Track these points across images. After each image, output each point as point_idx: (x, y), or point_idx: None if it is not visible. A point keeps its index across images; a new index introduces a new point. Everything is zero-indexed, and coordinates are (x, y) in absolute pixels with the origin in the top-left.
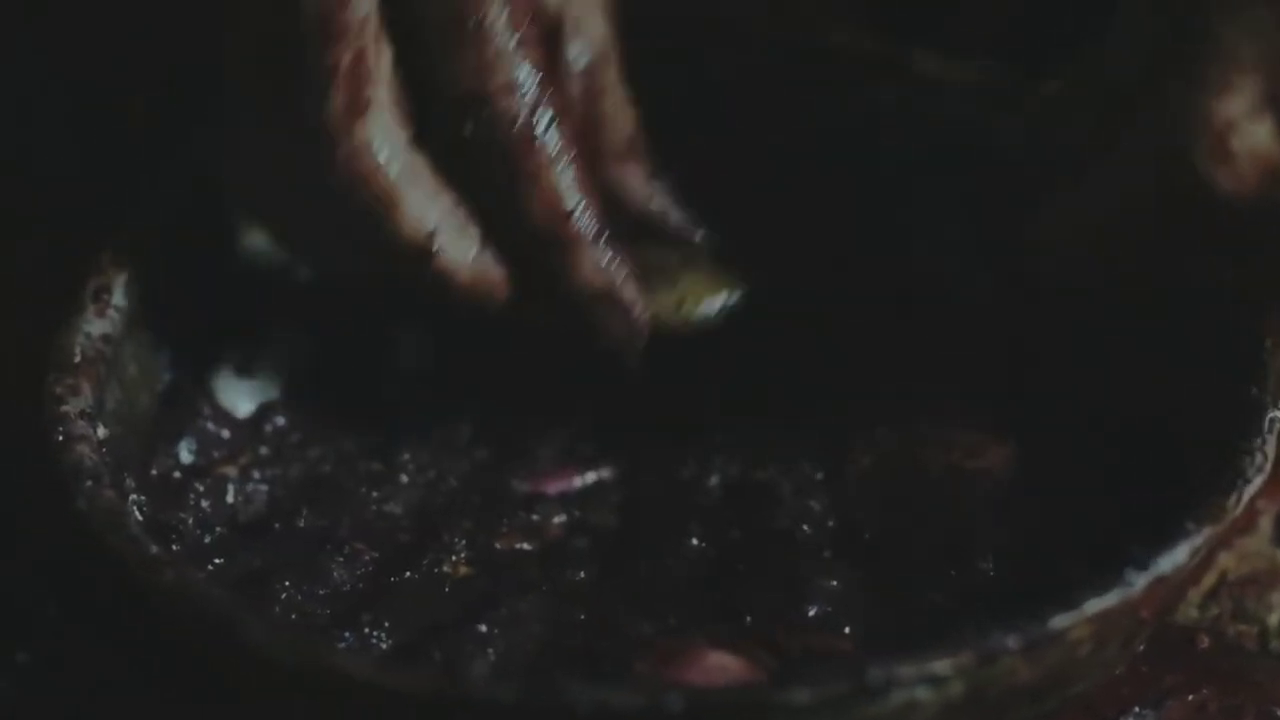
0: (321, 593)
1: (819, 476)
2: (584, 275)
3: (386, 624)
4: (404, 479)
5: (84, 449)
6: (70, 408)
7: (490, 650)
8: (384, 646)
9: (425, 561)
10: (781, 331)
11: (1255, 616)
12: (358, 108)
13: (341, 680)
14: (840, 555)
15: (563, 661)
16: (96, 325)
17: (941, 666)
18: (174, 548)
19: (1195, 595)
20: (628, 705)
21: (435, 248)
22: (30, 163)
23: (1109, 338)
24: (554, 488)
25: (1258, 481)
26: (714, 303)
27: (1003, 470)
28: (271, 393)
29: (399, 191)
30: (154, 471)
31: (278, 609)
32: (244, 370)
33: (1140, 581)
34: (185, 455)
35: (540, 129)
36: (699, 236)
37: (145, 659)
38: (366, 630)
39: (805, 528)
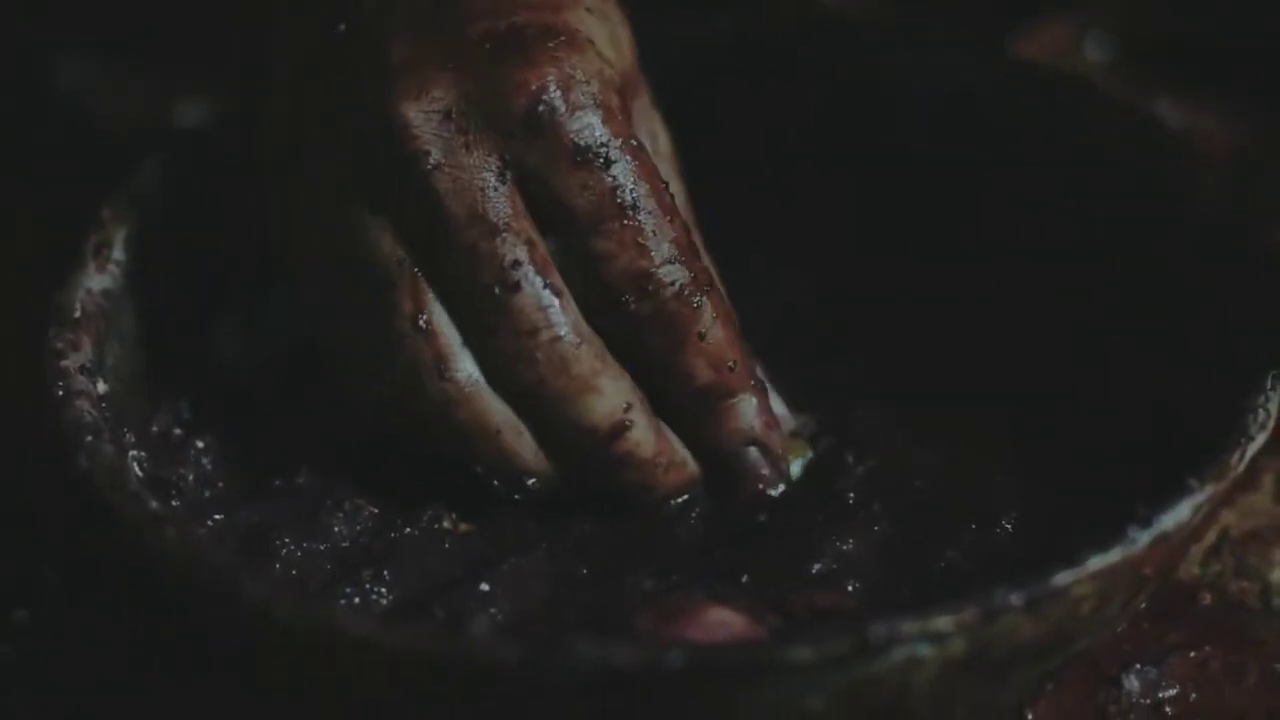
0: (322, 549)
1: (828, 433)
2: (743, 420)
3: (387, 581)
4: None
5: (84, 404)
6: (70, 363)
7: (492, 608)
8: (385, 603)
9: (426, 518)
10: (789, 288)
11: (1257, 573)
12: (549, 295)
13: (343, 638)
14: (850, 514)
15: (564, 619)
16: (97, 280)
17: (943, 623)
18: (174, 504)
19: (1197, 552)
20: (629, 662)
21: (629, 423)
22: (31, 119)
23: (1115, 305)
24: None
25: (1260, 439)
26: (795, 465)
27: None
28: (273, 347)
29: (599, 371)
30: (154, 427)
31: (278, 566)
32: (245, 326)
33: (1143, 539)
34: (186, 411)
35: (699, 294)
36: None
37: (145, 618)
38: (368, 587)
39: (815, 484)
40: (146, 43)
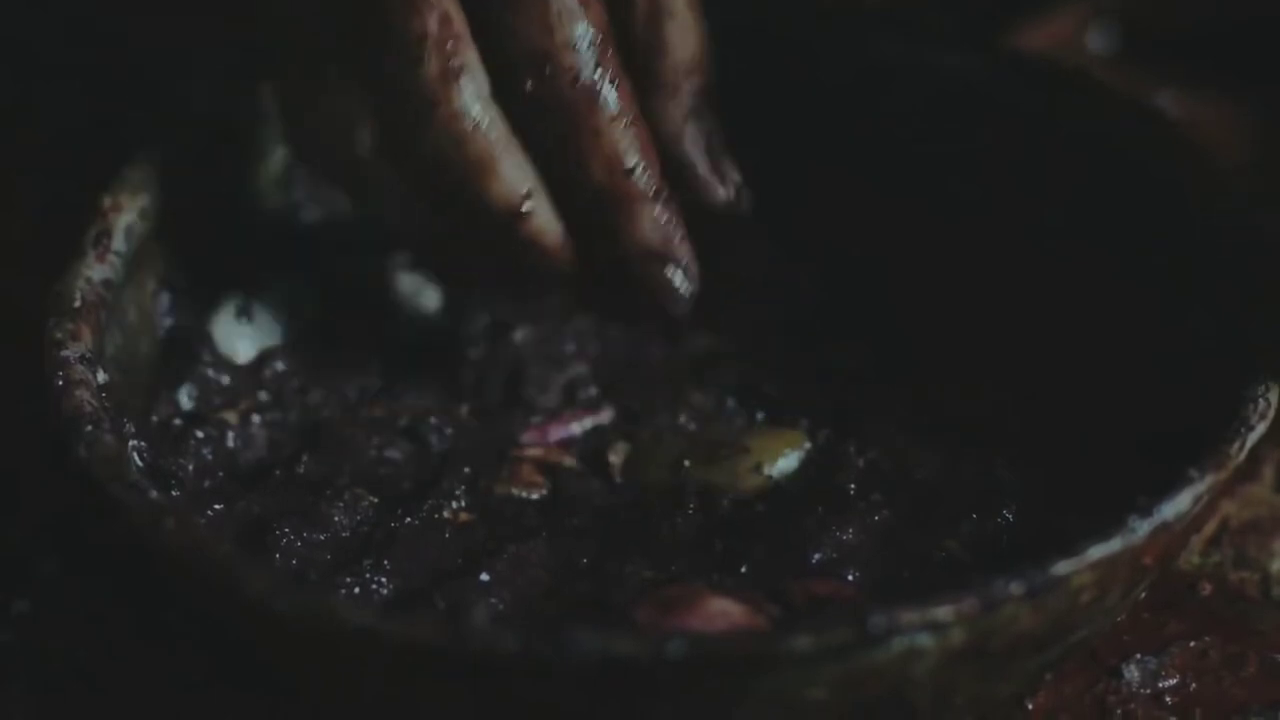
0: (322, 538)
1: (827, 424)
2: (642, 233)
3: (387, 570)
4: (404, 425)
5: (84, 394)
6: (70, 352)
7: (491, 597)
8: (385, 593)
9: (426, 508)
10: (789, 278)
11: (1257, 563)
12: (451, 72)
13: (343, 628)
14: (850, 504)
15: (564, 609)
16: (97, 270)
17: (943, 613)
18: (174, 494)
19: (1197, 542)
20: (629, 652)
21: (527, 210)
22: (30, 107)
23: (1115, 296)
24: (555, 434)
25: (1260, 428)
26: (791, 457)
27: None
28: (272, 338)
29: (496, 154)
30: (154, 418)
31: (278, 555)
32: (244, 316)
33: (1143, 528)
34: (185, 401)
35: (601, 87)
36: (722, 194)
37: (145, 608)
38: (368, 576)
39: (814, 475)
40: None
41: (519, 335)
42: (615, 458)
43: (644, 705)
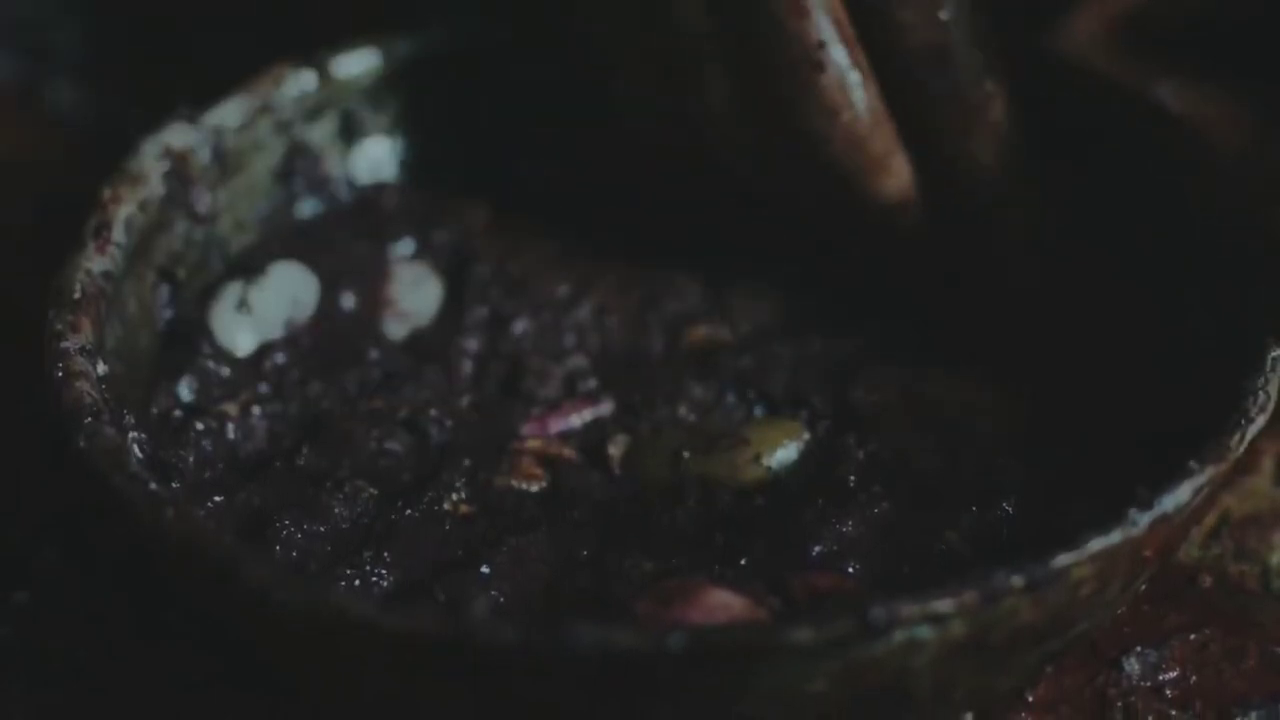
0: (322, 530)
1: (827, 415)
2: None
3: (387, 562)
4: (404, 417)
5: (84, 386)
6: (70, 344)
7: (492, 590)
8: (385, 585)
9: (425, 500)
10: (789, 269)
11: (1257, 556)
12: (852, 81)
13: (343, 620)
14: (850, 496)
15: (565, 601)
16: (97, 262)
17: (943, 605)
18: (174, 486)
19: (1197, 535)
20: (630, 644)
21: (910, 199)
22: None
23: (1115, 288)
24: (555, 426)
25: (1260, 421)
26: (790, 448)
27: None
28: (272, 331)
29: (890, 150)
30: (154, 410)
31: (278, 547)
32: (244, 308)
33: (1143, 520)
34: (185, 393)
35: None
36: None
37: (145, 599)
38: (368, 568)
39: (814, 467)
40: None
41: (519, 327)
42: (615, 450)
43: (644, 698)
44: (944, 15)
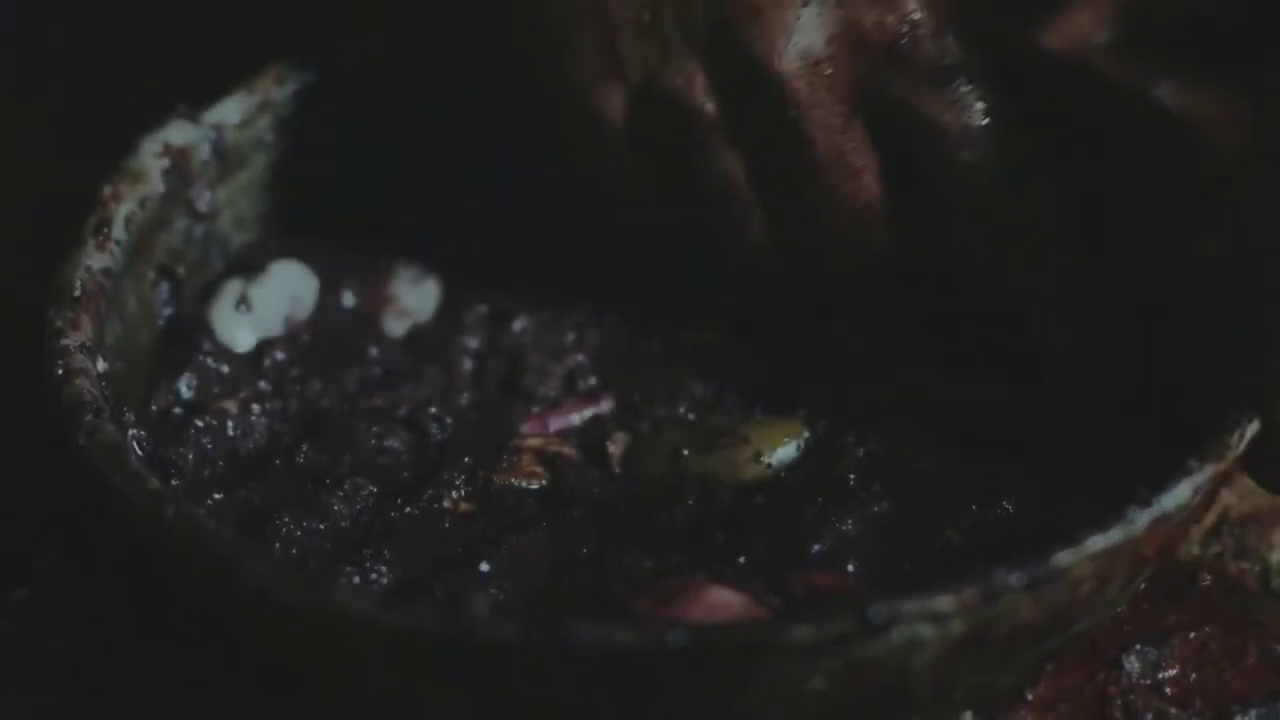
0: (321, 528)
1: (827, 414)
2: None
3: (387, 560)
4: (403, 415)
5: (84, 383)
6: (70, 341)
7: (492, 588)
8: (385, 583)
9: (425, 498)
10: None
11: (1257, 554)
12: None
13: (343, 618)
14: (849, 495)
15: (564, 600)
16: (97, 259)
17: (943, 604)
18: (174, 483)
19: (1197, 533)
20: (630, 643)
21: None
22: (32, 94)
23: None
24: (555, 424)
25: (1259, 419)
26: (790, 446)
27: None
28: (271, 328)
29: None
30: (154, 407)
31: (278, 545)
32: (244, 305)
33: (1143, 519)
34: (185, 391)
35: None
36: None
37: (145, 597)
38: (367, 566)
39: (814, 466)
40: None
41: (518, 325)
42: (614, 448)
43: (644, 697)
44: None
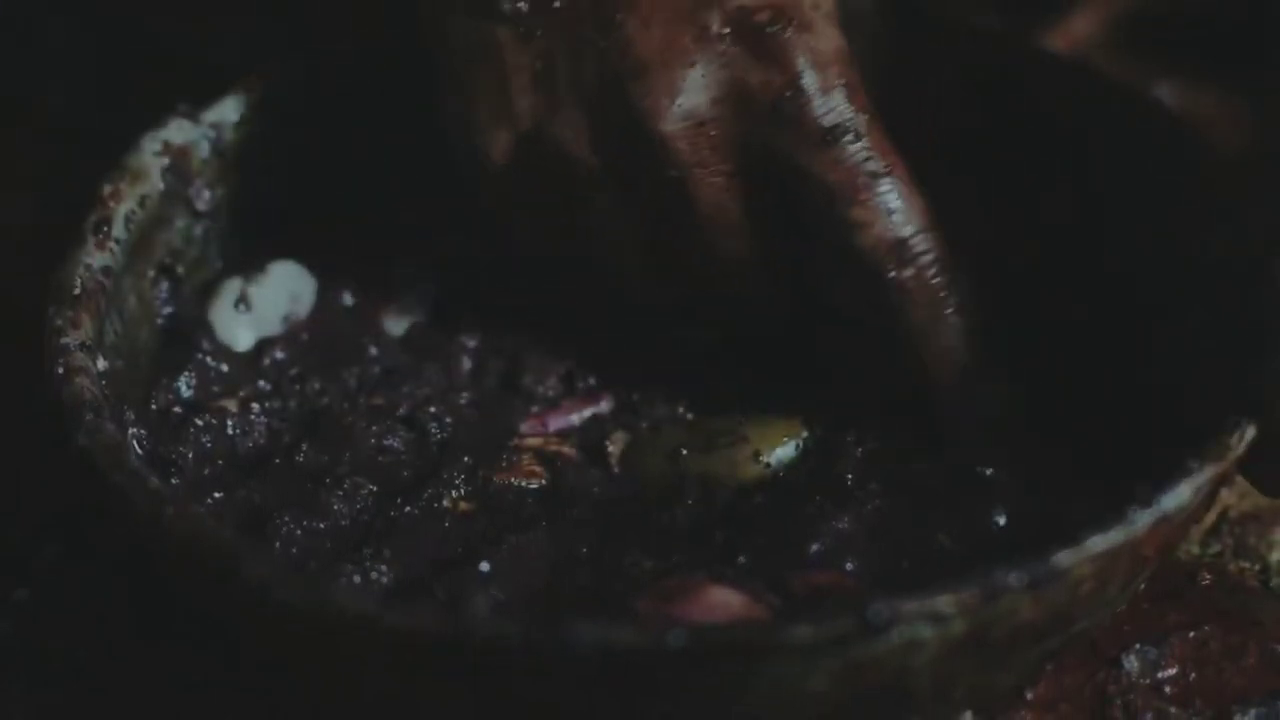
0: (321, 527)
1: (825, 413)
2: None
3: (387, 560)
4: (403, 414)
5: (84, 381)
6: (70, 340)
7: (491, 587)
8: (385, 582)
9: (425, 497)
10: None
11: (1256, 554)
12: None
13: (343, 617)
14: (847, 494)
15: (564, 599)
16: (97, 258)
17: (943, 604)
18: (174, 482)
19: (1197, 532)
20: (630, 642)
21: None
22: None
23: (1115, 286)
24: (554, 423)
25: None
26: (789, 445)
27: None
28: (271, 327)
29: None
30: (154, 406)
31: (278, 544)
32: (244, 304)
33: (1143, 520)
34: (185, 389)
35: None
36: None
37: (145, 596)
38: (367, 565)
39: (813, 465)
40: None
41: (518, 324)
42: (614, 448)
43: (644, 696)
44: (896, 207)
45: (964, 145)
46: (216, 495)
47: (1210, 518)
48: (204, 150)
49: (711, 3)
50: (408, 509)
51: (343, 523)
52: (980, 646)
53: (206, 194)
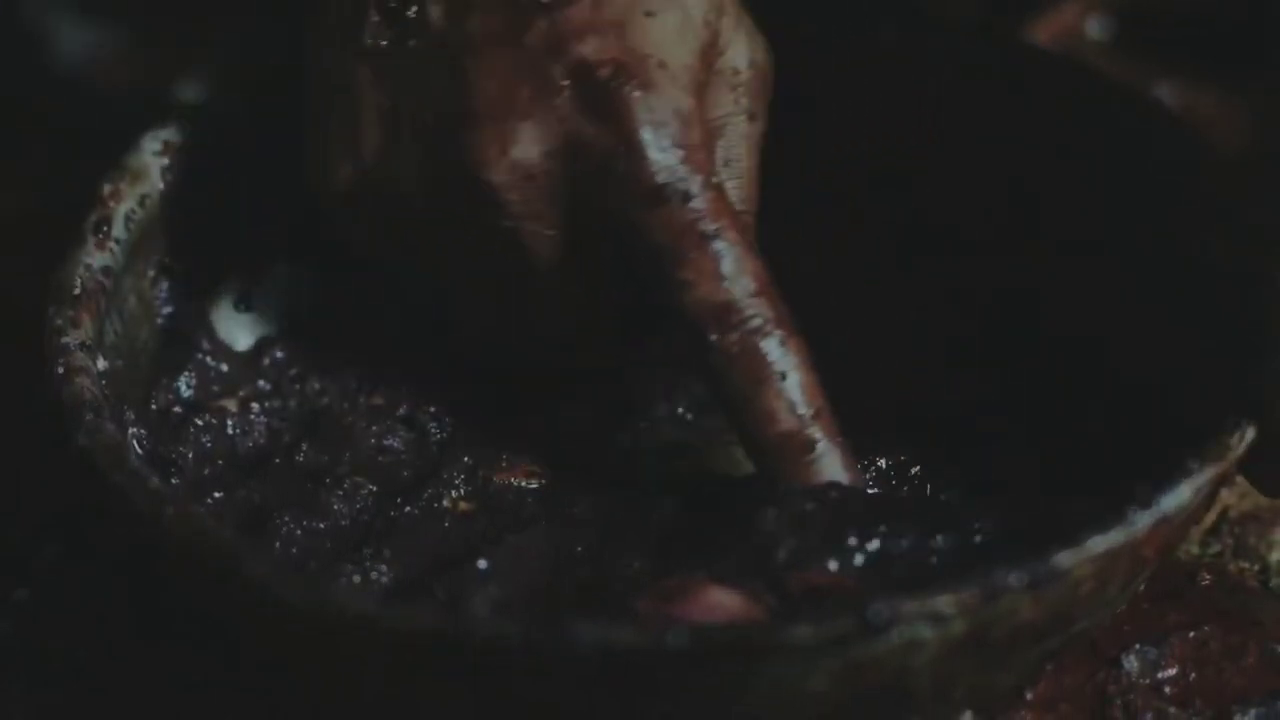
0: (321, 527)
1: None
2: (829, 476)
3: (387, 559)
4: (403, 414)
5: (84, 381)
6: (70, 340)
7: (491, 587)
8: (385, 581)
9: (425, 497)
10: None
11: (1256, 554)
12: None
13: (343, 617)
14: (846, 496)
15: (564, 599)
16: (97, 258)
17: (943, 604)
18: (174, 482)
19: (1196, 533)
20: (630, 643)
21: None
22: (31, 94)
23: (1114, 286)
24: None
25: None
26: None
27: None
28: (271, 327)
29: None
30: (153, 405)
31: (278, 544)
32: (244, 304)
33: (1143, 520)
34: (185, 389)
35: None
36: None
37: (145, 597)
38: (367, 565)
39: None
40: (147, 16)
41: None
42: (613, 447)
43: (644, 696)
44: (724, 271)
45: (964, 145)
46: (216, 495)
47: (1210, 518)
48: (204, 150)
49: (556, 55)
50: (408, 509)
51: (343, 523)
52: (980, 646)
53: (207, 193)
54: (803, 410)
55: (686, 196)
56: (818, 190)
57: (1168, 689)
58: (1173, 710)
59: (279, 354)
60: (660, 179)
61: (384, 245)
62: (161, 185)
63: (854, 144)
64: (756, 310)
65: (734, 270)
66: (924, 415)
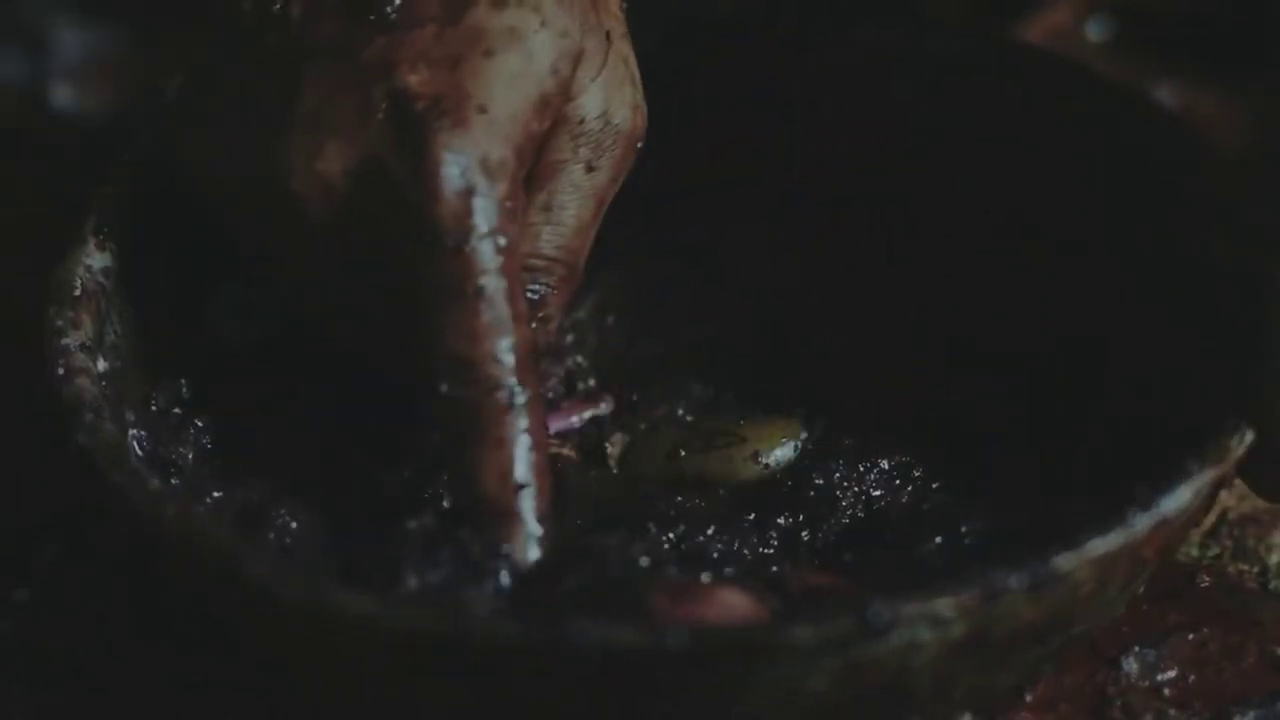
0: (321, 527)
1: (822, 414)
2: (517, 544)
3: (387, 560)
4: (404, 413)
5: (84, 382)
6: (70, 341)
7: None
8: (384, 582)
9: (427, 496)
10: (783, 269)
11: (1256, 555)
12: None
13: (343, 616)
14: (845, 494)
15: (567, 599)
16: (97, 258)
17: (943, 605)
18: (174, 482)
19: (1196, 534)
20: (630, 643)
21: None
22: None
23: (1113, 287)
24: (554, 425)
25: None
26: (787, 446)
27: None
28: (270, 328)
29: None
30: (154, 406)
31: (278, 544)
32: (244, 304)
33: (1143, 522)
34: (185, 389)
35: (519, 404)
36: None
37: (145, 596)
38: (367, 565)
39: (811, 465)
40: (147, 16)
41: None
42: (613, 448)
43: (645, 697)
44: (478, 331)
45: (965, 145)
46: (216, 495)
47: (1209, 520)
48: None
49: (383, 77)
50: (408, 509)
51: (343, 523)
52: (980, 648)
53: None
54: (514, 480)
55: (460, 246)
56: (819, 190)
57: (1167, 690)
58: (1172, 711)
59: (279, 354)
60: (440, 224)
61: (252, 239)
62: (162, 185)
63: (855, 144)
64: (496, 375)
65: (486, 331)
66: (924, 415)
